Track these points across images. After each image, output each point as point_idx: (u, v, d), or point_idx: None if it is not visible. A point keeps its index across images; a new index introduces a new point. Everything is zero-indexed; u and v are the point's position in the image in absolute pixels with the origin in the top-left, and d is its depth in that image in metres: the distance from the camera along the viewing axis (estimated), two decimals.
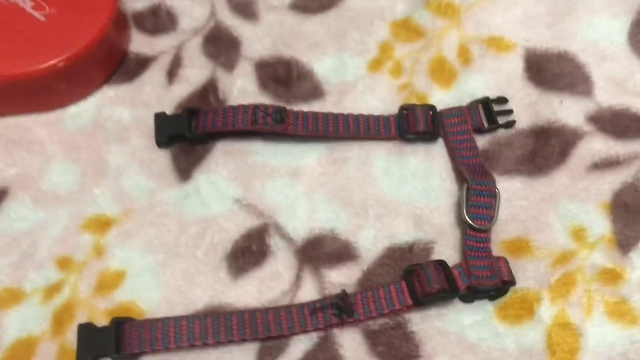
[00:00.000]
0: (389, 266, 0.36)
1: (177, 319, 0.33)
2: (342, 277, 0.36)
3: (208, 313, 0.34)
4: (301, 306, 0.33)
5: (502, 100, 0.40)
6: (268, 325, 0.33)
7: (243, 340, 0.33)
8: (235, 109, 0.39)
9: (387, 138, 0.39)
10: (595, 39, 0.42)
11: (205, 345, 0.33)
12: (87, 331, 0.33)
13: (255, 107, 0.38)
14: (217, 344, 0.33)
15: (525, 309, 0.34)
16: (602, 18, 0.42)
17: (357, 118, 0.39)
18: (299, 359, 0.33)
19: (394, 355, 0.33)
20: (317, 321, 0.33)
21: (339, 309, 0.33)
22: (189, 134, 0.39)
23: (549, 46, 0.42)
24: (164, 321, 0.33)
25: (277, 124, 0.38)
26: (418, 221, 0.37)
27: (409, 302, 0.33)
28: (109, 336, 0.33)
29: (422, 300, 0.33)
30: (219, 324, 0.33)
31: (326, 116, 0.39)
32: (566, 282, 0.34)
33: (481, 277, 0.33)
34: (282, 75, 0.42)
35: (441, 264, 0.34)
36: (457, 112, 0.39)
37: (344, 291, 0.33)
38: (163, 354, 0.33)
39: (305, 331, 0.33)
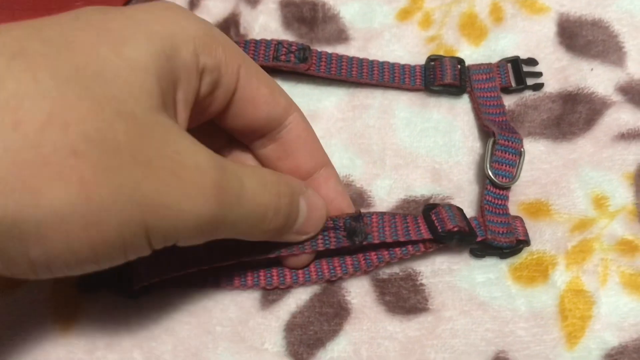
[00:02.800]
0: None
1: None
2: None
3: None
4: None
5: (532, 61, 0.39)
6: (277, 246, 0.31)
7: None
8: (258, 43, 0.37)
9: (412, 89, 0.38)
10: (631, 10, 0.41)
11: (214, 267, 0.31)
12: None
13: (278, 43, 0.37)
14: (228, 265, 0.31)
15: (540, 272, 0.33)
16: None
17: (383, 65, 0.38)
18: (305, 300, 0.32)
19: (401, 306, 0.32)
20: (328, 241, 0.31)
21: (351, 231, 0.31)
22: None
23: (583, 12, 0.41)
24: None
25: (299, 62, 0.37)
26: (436, 175, 0.36)
27: (427, 234, 0.31)
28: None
29: (440, 236, 0.31)
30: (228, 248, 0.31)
31: (351, 60, 0.38)
32: (583, 250, 0.33)
33: (497, 233, 0.32)
34: (307, 15, 0.41)
35: (460, 209, 0.32)
36: (485, 68, 0.38)
37: (358, 211, 0.32)
38: (169, 321, 0.32)
39: (315, 250, 0.31)
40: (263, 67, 0.36)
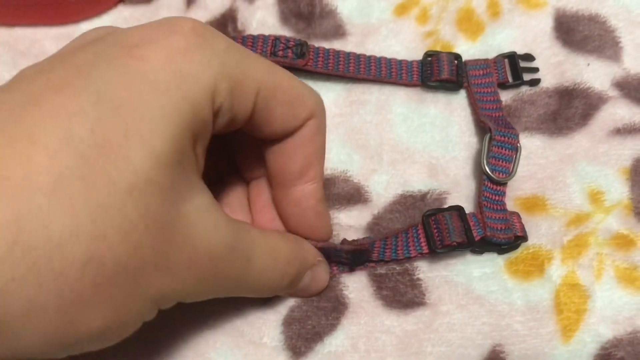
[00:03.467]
0: (399, 212, 0.35)
1: None
2: (351, 220, 0.35)
3: None
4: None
5: (529, 57, 0.39)
6: None
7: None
8: (255, 38, 0.37)
9: (409, 84, 0.38)
10: (628, 5, 0.41)
11: None
12: None
13: (276, 39, 0.37)
14: None
15: (536, 266, 0.33)
16: None
17: (380, 60, 0.38)
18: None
19: (398, 300, 0.33)
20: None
21: (354, 260, 0.32)
22: None
23: (580, 7, 0.41)
24: None
25: (297, 58, 0.37)
26: (433, 170, 0.36)
27: (426, 250, 0.32)
28: None
29: (439, 251, 0.32)
30: None
31: (348, 55, 0.38)
32: (578, 244, 0.34)
33: (496, 229, 0.32)
34: (305, 11, 0.41)
35: (460, 214, 0.33)
36: (482, 63, 0.38)
37: (365, 245, 0.32)
38: (167, 315, 0.32)
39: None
40: None
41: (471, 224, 0.33)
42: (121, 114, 0.20)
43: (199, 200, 0.23)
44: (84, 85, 0.20)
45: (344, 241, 0.33)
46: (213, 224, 0.23)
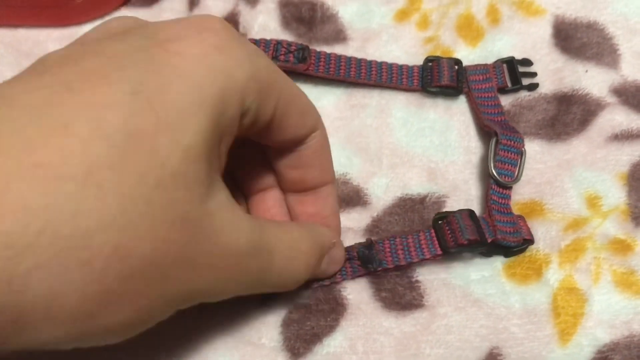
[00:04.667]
0: (398, 215, 0.35)
1: None
2: (350, 222, 0.35)
3: None
4: None
5: (527, 62, 0.39)
6: None
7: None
8: (257, 42, 0.38)
9: (409, 89, 0.38)
10: (626, 13, 0.41)
11: None
12: None
13: (278, 43, 0.37)
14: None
15: (533, 270, 0.33)
16: None
17: (381, 65, 0.38)
18: (302, 298, 0.33)
19: (397, 302, 0.33)
20: (345, 272, 0.33)
21: (365, 259, 0.32)
22: None
23: (578, 15, 0.41)
24: None
25: (298, 62, 0.37)
26: (432, 174, 0.36)
27: (439, 251, 0.32)
28: None
29: (452, 250, 0.32)
30: None
31: (349, 60, 0.38)
32: (576, 248, 0.34)
33: (506, 233, 0.33)
34: (306, 15, 0.41)
35: (471, 214, 0.33)
36: (482, 69, 0.39)
37: (369, 239, 0.33)
38: None
39: (334, 283, 0.33)
40: None
41: (483, 226, 0.33)
42: (154, 107, 0.20)
43: (222, 197, 0.23)
44: (118, 77, 0.20)
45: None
46: (236, 221, 0.24)
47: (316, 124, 0.29)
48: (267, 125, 0.26)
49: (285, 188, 0.32)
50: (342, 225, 0.35)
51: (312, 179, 0.31)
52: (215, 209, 0.22)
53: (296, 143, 0.29)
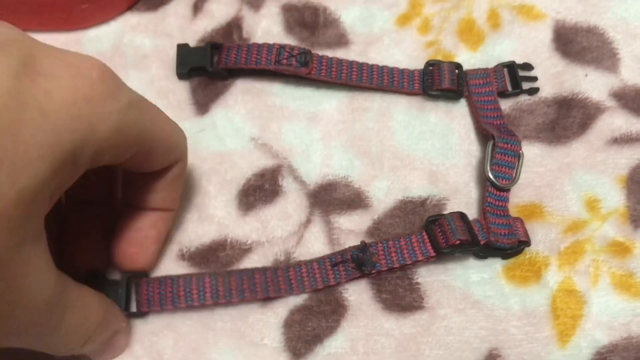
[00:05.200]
0: (399, 218, 0.35)
1: (199, 276, 0.33)
2: (351, 224, 0.35)
3: (228, 271, 0.33)
4: (322, 261, 0.33)
5: (528, 66, 0.40)
6: (290, 283, 0.33)
7: (266, 298, 0.33)
8: (260, 46, 0.38)
9: (410, 93, 0.39)
10: (626, 17, 0.41)
11: (228, 303, 0.33)
12: (96, 283, 0.31)
13: (280, 47, 0.38)
14: (240, 302, 0.33)
15: (533, 272, 0.34)
16: None
17: (382, 69, 0.39)
18: (303, 298, 0.33)
19: (397, 304, 0.33)
20: (339, 275, 0.33)
21: (360, 262, 0.32)
22: (210, 67, 0.38)
23: (579, 19, 0.41)
24: (186, 278, 0.33)
25: (300, 66, 0.37)
26: (433, 177, 0.37)
27: (432, 252, 0.33)
28: (118, 291, 0.32)
29: (445, 251, 0.32)
30: (242, 282, 0.33)
31: (351, 64, 0.39)
32: (575, 251, 0.34)
33: (500, 235, 0.33)
34: (309, 20, 0.42)
35: (462, 216, 0.33)
36: (482, 73, 0.39)
37: (363, 242, 0.33)
38: (171, 317, 0.33)
39: (327, 286, 0.33)
40: (265, 70, 0.37)
41: (475, 229, 0.33)
42: (3, 137, 0.19)
43: (40, 246, 0.22)
44: None
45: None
46: (46, 274, 0.23)
47: (180, 157, 0.30)
48: (123, 163, 0.26)
49: (131, 204, 0.32)
50: (343, 228, 0.35)
51: (155, 202, 0.31)
52: (28, 258, 0.21)
53: (155, 173, 0.30)
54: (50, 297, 0.23)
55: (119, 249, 0.32)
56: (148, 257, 0.33)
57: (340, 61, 0.38)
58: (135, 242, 0.32)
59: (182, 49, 0.39)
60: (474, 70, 0.39)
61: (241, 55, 0.38)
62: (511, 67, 0.39)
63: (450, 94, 0.38)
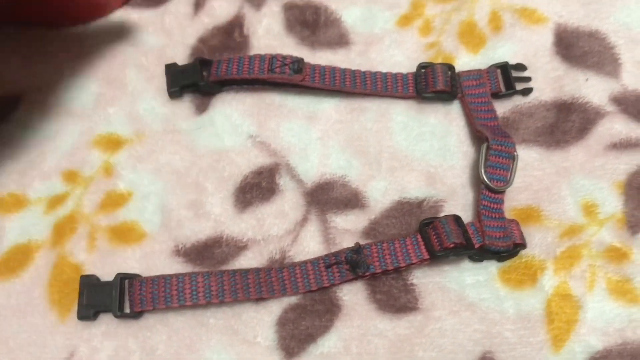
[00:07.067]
0: (396, 218, 0.35)
1: (192, 276, 0.33)
2: (347, 224, 0.35)
3: (222, 271, 0.33)
4: (316, 262, 0.33)
5: (521, 67, 0.39)
6: (284, 284, 0.33)
7: (260, 298, 0.33)
8: (252, 57, 0.38)
9: (405, 96, 0.39)
10: (628, 22, 0.41)
11: (221, 303, 0.33)
12: (89, 285, 0.33)
13: (272, 57, 0.38)
14: (234, 301, 0.33)
15: (528, 276, 0.34)
16: (638, 2, 0.42)
17: (375, 75, 0.39)
18: (298, 298, 0.33)
19: (392, 305, 0.33)
20: (332, 277, 0.33)
21: (353, 264, 0.32)
22: (202, 82, 0.38)
23: (581, 24, 0.41)
24: (179, 278, 0.33)
25: (294, 74, 0.37)
26: (431, 179, 0.37)
27: (426, 255, 0.32)
28: (112, 292, 0.32)
29: (439, 254, 0.32)
30: (235, 282, 0.32)
31: (343, 71, 0.38)
32: (571, 255, 0.34)
33: (494, 238, 0.33)
34: (310, 19, 0.41)
35: (457, 219, 0.33)
36: (475, 74, 0.39)
37: (357, 244, 0.33)
38: (164, 312, 0.33)
39: (321, 287, 0.33)
40: (259, 79, 0.37)
41: (470, 232, 0.33)
42: None
43: None
44: None
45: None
46: None
47: None
48: None
49: None
50: (339, 227, 0.35)
51: None
52: None
53: None
54: None
55: None
56: None
57: (333, 69, 0.38)
58: None
59: (171, 69, 0.39)
60: (467, 71, 0.39)
61: (233, 67, 0.38)
62: (504, 67, 0.39)
63: (444, 96, 0.38)
